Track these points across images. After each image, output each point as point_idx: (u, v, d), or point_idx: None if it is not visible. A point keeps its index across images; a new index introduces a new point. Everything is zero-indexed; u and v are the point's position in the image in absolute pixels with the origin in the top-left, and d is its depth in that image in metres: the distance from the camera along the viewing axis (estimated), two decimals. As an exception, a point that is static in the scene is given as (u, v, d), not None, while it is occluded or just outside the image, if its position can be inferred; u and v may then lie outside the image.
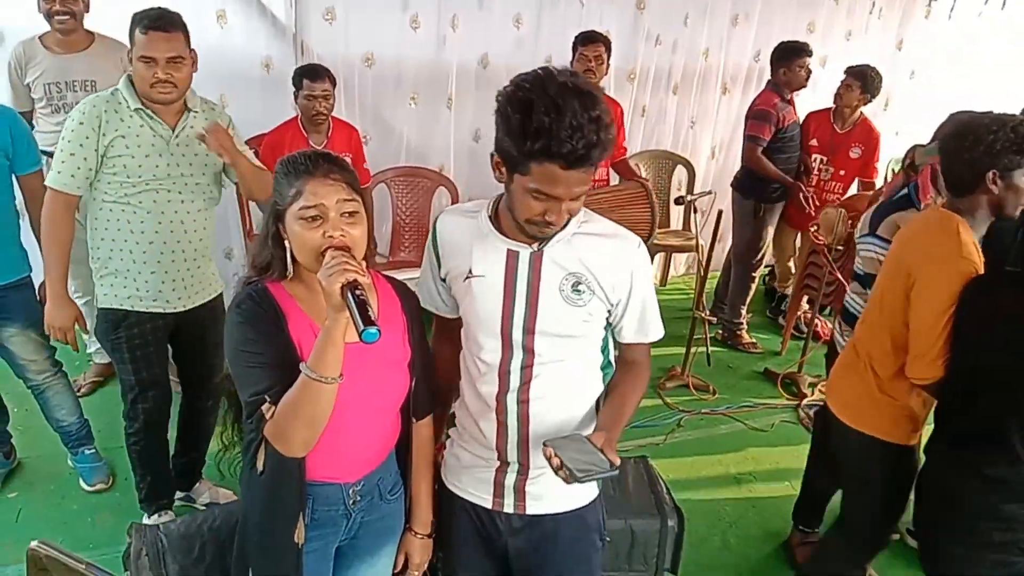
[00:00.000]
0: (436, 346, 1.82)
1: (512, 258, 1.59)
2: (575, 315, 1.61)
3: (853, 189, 4.60)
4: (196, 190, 2.56)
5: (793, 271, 4.98)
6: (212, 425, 2.91)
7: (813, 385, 4.20)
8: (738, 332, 4.77)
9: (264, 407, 1.43)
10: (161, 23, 2.35)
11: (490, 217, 1.62)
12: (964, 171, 2.00)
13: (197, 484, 3.04)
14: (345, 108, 4.32)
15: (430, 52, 4.56)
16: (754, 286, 4.78)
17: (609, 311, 1.67)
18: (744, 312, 4.77)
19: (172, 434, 2.92)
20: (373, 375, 1.55)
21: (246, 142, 3.95)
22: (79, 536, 2.88)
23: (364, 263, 1.45)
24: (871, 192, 4.28)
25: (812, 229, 4.11)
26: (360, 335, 1.31)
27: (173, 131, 2.46)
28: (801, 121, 4.56)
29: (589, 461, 1.44)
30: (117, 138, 2.38)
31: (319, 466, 1.54)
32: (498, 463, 1.72)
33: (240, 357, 1.47)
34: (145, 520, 2.81)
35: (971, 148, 1.96)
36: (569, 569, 1.78)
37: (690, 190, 5.23)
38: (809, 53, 4.43)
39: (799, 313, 4.71)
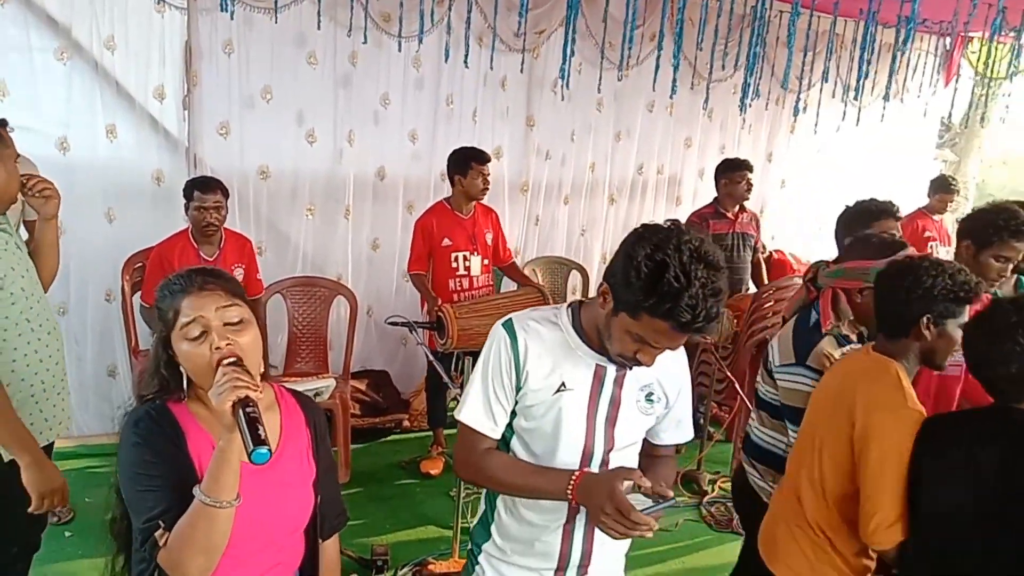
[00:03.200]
0: (481, 460, 1.64)
1: (599, 372, 1.61)
2: (644, 422, 1.68)
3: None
4: (42, 292, 2.31)
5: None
6: None
7: (713, 482, 4.28)
8: None
9: (158, 533, 1.34)
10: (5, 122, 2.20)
11: (575, 329, 1.61)
12: (900, 312, 1.91)
13: None
14: (239, 219, 4.30)
15: (327, 165, 4.64)
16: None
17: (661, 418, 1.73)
18: None
19: None
20: (275, 496, 1.48)
21: (135, 254, 3.93)
22: None
23: (259, 376, 1.41)
24: (752, 291, 4.53)
25: (699, 328, 4.28)
26: (248, 456, 1.26)
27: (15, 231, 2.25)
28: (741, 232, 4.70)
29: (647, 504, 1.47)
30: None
31: None
32: (555, 569, 1.70)
33: (135, 480, 1.38)
34: None
35: (909, 290, 1.88)
36: None
37: (585, 294, 5.38)
38: (739, 168, 4.67)
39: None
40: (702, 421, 4.58)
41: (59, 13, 3.79)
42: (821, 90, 5.64)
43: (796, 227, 6.61)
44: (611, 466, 1.66)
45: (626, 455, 1.69)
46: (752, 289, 4.83)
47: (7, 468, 2.07)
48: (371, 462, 4.41)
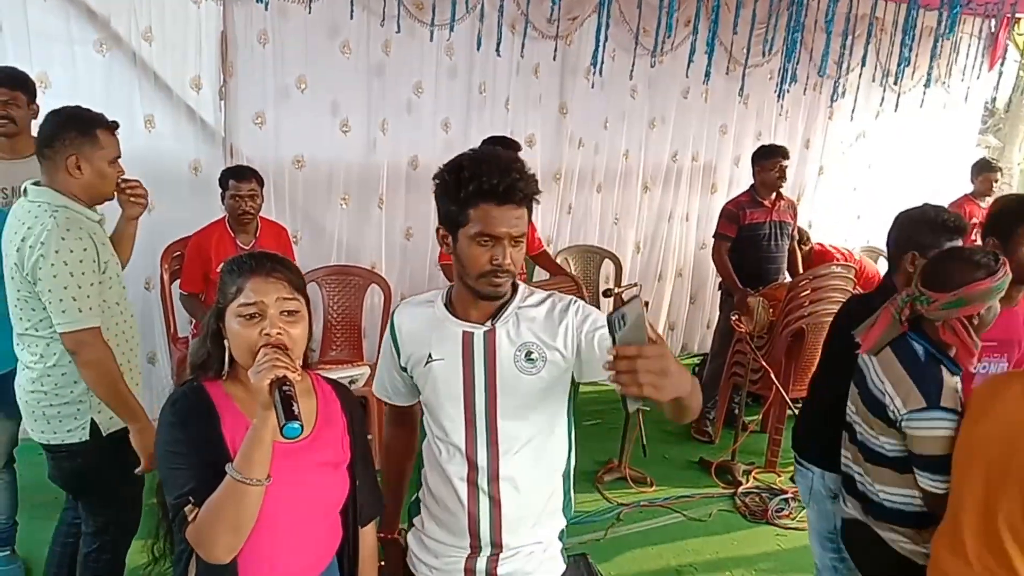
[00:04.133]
0: (390, 437, 1.92)
1: (468, 339, 1.65)
2: (531, 384, 1.64)
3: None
4: None
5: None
6: None
7: (748, 472, 4.24)
8: (701, 418, 4.75)
9: (187, 508, 1.37)
10: (116, 125, 2.37)
11: (445, 304, 1.70)
12: None
13: None
14: (275, 209, 4.34)
15: (360, 154, 4.66)
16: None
17: (576, 368, 1.66)
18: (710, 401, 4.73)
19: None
20: (308, 478, 1.50)
21: (173, 243, 3.99)
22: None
23: (300, 362, 1.44)
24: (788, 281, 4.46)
25: (733, 317, 4.23)
26: (281, 429, 1.29)
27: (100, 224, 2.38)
28: (778, 221, 4.55)
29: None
30: (104, 248, 2.28)
31: (253, 574, 1.47)
32: (469, 549, 1.70)
33: (168, 458, 1.42)
34: None
35: None
36: None
37: (617, 283, 5.35)
38: (773, 155, 4.53)
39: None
40: (737, 411, 4.55)
41: (98, 5, 3.85)
42: (860, 75, 5.54)
43: (835, 215, 6.52)
44: (501, 433, 1.64)
45: (521, 418, 1.64)
46: (787, 278, 4.77)
47: (108, 442, 2.35)
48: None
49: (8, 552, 2.99)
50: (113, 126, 2.33)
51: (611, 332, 1.24)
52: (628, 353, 1.22)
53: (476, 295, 1.62)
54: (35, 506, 3.22)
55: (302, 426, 1.30)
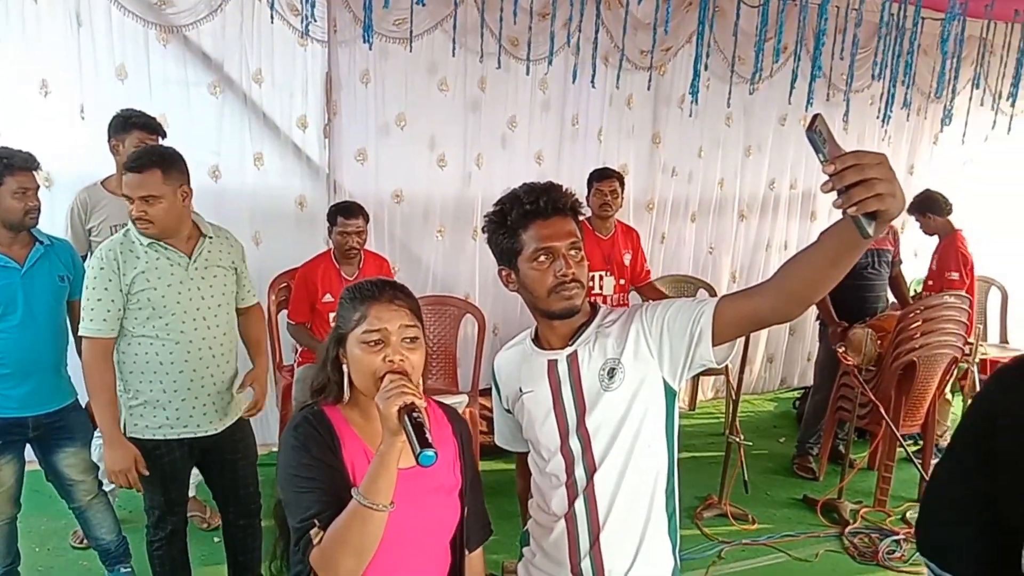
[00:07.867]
0: (522, 489, 1.91)
1: (552, 366, 1.67)
2: (617, 399, 1.61)
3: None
4: (219, 312, 2.60)
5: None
6: (257, 548, 2.87)
7: (855, 512, 4.05)
8: (804, 454, 4.66)
9: (312, 532, 1.39)
10: (136, 164, 2.41)
11: (532, 339, 1.74)
12: None
13: None
14: (375, 240, 4.46)
15: (456, 188, 4.77)
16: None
17: (667, 365, 1.61)
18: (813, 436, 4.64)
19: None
20: (422, 503, 1.51)
21: (280, 275, 4.15)
22: None
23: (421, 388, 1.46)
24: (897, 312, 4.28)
25: (840, 350, 4.08)
26: (416, 458, 1.29)
27: (190, 258, 2.52)
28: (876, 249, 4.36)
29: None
30: (138, 275, 2.43)
31: None
32: None
33: (292, 482, 1.44)
34: None
35: None
36: None
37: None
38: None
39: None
40: (842, 448, 4.37)
41: (213, 50, 4.08)
42: (970, 98, 5.32)
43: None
44: (595, 452, 1.62)
45: (614, 439, 1.61)
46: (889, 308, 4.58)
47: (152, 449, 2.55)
48: (498, 478, 4.42)
49: (128, 570, 3.11)
50: (130, 167, 2.42)
51: (816, 150, 1.14)
52: (848, 161, 1.09)
53: (553, 316, 1.63)
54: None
55: (436, 453, 1.30)
